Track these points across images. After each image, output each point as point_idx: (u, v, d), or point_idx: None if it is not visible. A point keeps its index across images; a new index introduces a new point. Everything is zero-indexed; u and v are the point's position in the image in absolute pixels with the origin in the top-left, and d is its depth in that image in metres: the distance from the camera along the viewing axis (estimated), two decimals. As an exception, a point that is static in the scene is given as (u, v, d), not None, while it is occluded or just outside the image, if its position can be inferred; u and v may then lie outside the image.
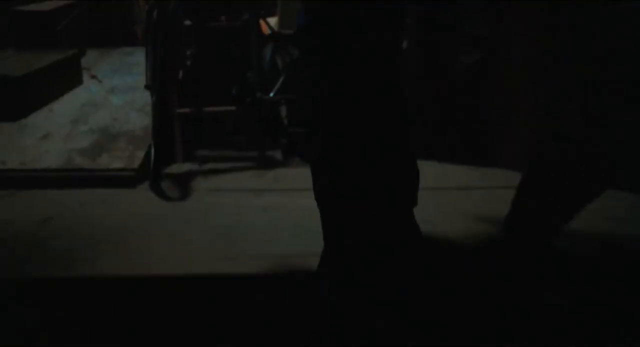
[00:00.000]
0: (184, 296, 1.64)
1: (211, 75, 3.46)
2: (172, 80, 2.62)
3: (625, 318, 1.42)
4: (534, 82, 2.72)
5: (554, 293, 1.52)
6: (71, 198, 2.37)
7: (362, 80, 1.35)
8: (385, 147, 1.38)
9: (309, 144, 1.49)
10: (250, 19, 3.46)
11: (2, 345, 1.42)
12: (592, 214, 1.54)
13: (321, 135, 1.36)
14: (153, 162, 2.45)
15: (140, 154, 2.77)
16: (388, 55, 1.38)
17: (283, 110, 3.29)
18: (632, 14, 1.45)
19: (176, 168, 3.21)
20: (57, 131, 3.00)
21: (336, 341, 1.52)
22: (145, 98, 3.13)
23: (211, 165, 3.50)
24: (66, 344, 1.43)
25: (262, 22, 3.48)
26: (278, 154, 3.29)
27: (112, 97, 3.57)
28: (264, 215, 2.16)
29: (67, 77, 3.62)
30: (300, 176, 2.60)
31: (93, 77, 3.94)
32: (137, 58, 4.51)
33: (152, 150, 2.48)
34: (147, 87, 2.61)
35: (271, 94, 3.09)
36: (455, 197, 2.50)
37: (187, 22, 3.39)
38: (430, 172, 1.66)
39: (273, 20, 5.34)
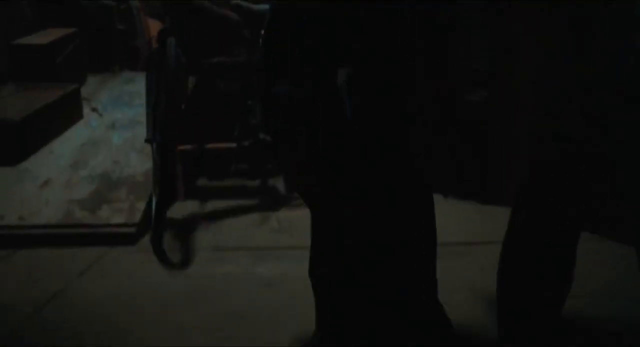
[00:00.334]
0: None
1: (212, 110, 3.40)
2: (174, 130, 2.56)
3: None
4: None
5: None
6: (70, 263, 2.32)
7: (362, 80, 1.35)
8: (385, 147, 1.38)
9: (291, 144, 1.48)
10: (252, 56, 3.41)
11: None
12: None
13: (321, 136, 1.36)
14: (154, 220, 2.39)
15: (141, 206, 2.72)
16: (388, 55, 1.37)
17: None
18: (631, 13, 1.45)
19: (178, 209, 3.17)
20: (57, 177, 2.95)
21: (336, 341, 1.54)
22: (143, 135, 3.06)
23: (213, 203, 3.46)
24: None
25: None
26: (280, 184, 3.25)
27: (112, 134, 3.52)
28: (268, 292, 2.10)
29: (68, 113, 3.56)
30: (303, 221, 2.54)
31: (94, 110, 3.89)
32: (138, 86, 4.45)
33: (154, 209, 2.43)
34: (147, 141, 2.55)
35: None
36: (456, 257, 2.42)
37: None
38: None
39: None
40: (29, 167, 3.04)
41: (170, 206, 2.75)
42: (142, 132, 3.28)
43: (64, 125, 3.50)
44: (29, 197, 2.76)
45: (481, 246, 2.54)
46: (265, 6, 3.56)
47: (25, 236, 2.47)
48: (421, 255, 1.50)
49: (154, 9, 8.62)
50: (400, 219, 1.44)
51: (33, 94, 3.43)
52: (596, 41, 1.43)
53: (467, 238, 2.62)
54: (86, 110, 3.86)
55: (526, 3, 1.65)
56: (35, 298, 2.08)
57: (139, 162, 3.13)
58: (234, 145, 3.38)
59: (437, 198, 2.98)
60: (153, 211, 2.47)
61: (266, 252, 2.47)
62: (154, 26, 8.18)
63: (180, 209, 3.27)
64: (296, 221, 2.78)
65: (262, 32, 1.47)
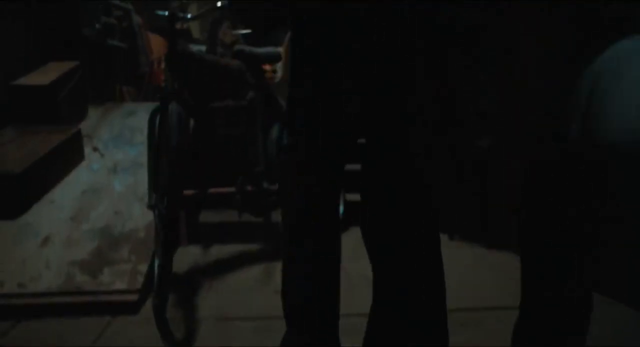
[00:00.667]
0: None
1: (215, 154, 3.33)
2: (176, 198, 2.48)
3: None
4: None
5: None
6: (73, 337, 2.25)
7: (362, 79, 1.34)
8: (385, 147, 1.38)
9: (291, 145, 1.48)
10: (256, 100, 3.34)
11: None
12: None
13: (321, 136, 1.34)
14: (156, 288, 2.33)
15: (143, 268, 2.65)
16: (388, 55, 1.35)
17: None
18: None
19: (181, 257, 3.11)
20: (58, 232, 2.88)
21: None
22: (145, 180, 2.98)
23: (216, 248, 3.41)
24: None
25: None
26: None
27: (113, 179, 3.44)
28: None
29: (69, 156, 3.49)
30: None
31: (95, 149, 3.82)
32: (139, 118, 4.38)
33: (156, 276, 2.36)
34: (149, 207, 2.48)
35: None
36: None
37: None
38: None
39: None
40: (29, 221, 2.97)
41: (173, 254, 2.68)
42: (143, 176, 3.21)
43: (66, 170, 3.43)
44: (29, 257, 2.69)
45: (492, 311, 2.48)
46: (269, 49, 3.49)
47: (25, 306, 2.40)
48: (421, 255, 1.49)
49: (156, 24, 8.54)
50: (400, 219, 1.43)
51: (34, 139, 3.35)
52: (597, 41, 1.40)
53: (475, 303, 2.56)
54: (87, 149, 3.79)
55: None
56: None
57: (141, 213, 3.06)
58: (235, 189, 3.32)
59: (443, 239, 2.96)
60: (155, 278, 2.40)
61: (271, 322, 2.40)
62: (156, 41, 8.11)
63: (183, 256, 3.22)
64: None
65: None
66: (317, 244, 1.52)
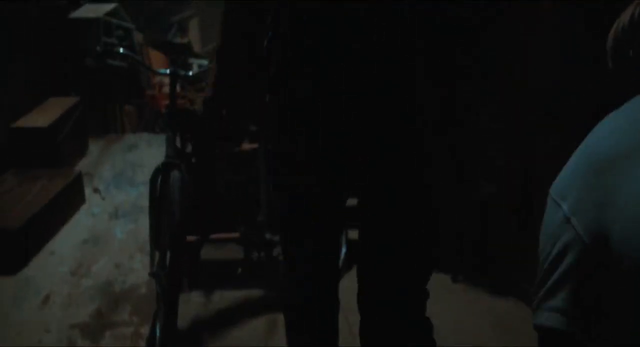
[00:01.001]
0: None
1: (216, 200, 3.28)
2: (179, 269, 2.42)
3: None
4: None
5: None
6: None
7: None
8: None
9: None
10: (260, 147, 3.29)
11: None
12: None
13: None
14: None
15: (145, 331, 2.60)
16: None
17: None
18: None
19: (182, 307, 3.06)
20: (58, 290, 2.82)
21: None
22: (147, 227, 2.93)
23: (218, 296, 3.35)
24: None
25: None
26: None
27: (114, 225, 3.40)
28: None
29: (70, 201, 3.44)
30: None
31: (96, 191, 3.77)
32: (140, 153, 4.34)
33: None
34: (151, 275, 2.43)
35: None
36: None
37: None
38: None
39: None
40: (29, 275, 2.92)
41: (175, 321, 2.63)
42: (144, 221, 3.16)
43: (67, 216, 3.38)
44: (28, 320, 2.64)
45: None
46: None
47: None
48: (422, 256, 1.48)
49: (157, 40, 8.47)
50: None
51: (34, 187, 3.30)
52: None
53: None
54: (88, 189, 3.74)
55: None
56: None
57: (141, 266, 3.02)
58: (237, 235, 3.27)
59: (446, 281, 2.90)
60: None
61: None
62: (157, 58, 8.03)
63: (184, 305, 3.16)
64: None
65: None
66: (317, 245, 1.51)
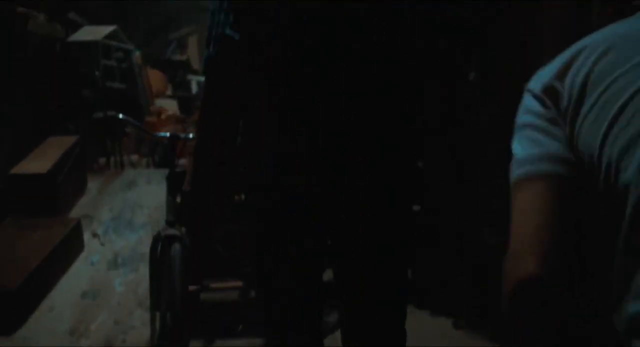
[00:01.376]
0: None
1: (214, 251, 3.23)
2: (179, 336, 2.38)
3: None
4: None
5: None
6: None
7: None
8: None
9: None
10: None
11: None
12: None
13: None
14: None
15: (145, 399, 2.56)
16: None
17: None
18: None
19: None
20: (57, 353, 2.78)
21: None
22: (146, 277, 2.86)
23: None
24: None
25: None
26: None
27: (113, 277, 3.34)
28: None
29: (69, 250, 3.39)
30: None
31: (95, 235, 3.72)
32: (140, 191, 4.29)
33: None
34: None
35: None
36: None
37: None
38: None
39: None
40: (26, 336, 2.86)
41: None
42: (144, 271, 3.12)
43: (65, 266, 3.33)
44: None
45: None
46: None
47: None
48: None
49: (156, 59, 8.40)
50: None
51: (33, 237, 3.24)
52: None
53: None
54: (87, 234, 3.69)
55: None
56: None
57: (141, 323, 2.97)
58: (239, 283, 3.22)
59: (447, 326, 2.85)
60: None
61: None
62: (155, 78, 7.97)
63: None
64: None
65: None
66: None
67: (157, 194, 4.26)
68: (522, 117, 0.83)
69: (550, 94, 0.80)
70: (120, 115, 2.58)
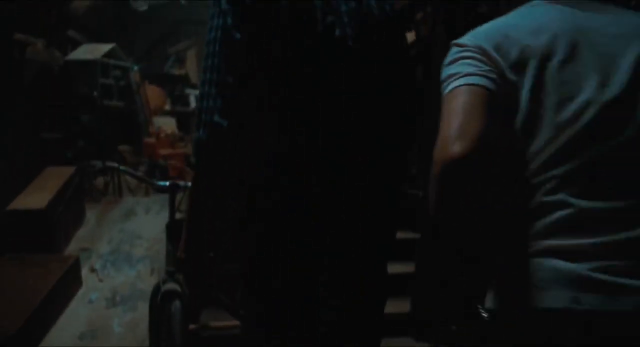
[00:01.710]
0: None
1: (212, 292, 3.20)
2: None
3: None
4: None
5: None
6: None
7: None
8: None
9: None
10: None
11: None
12: None
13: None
14: None
15: None
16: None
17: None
18: None
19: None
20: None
21: None
22: (145, 316, 2.82)
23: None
24: None
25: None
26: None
27: (112, 316, 3.31)
28: None
29: (67, 288, 3.36)
30: None
31: (93, 271, 3.69)
32: (139, 221, 4.26)
33: None
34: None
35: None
36: None
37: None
38: None
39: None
40: (24, 381, 2.84)
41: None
42: (143, 309, 3.09)
43: (64, 305, 3.30)
44: None
45: None
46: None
47: None
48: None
49: (155, 75, 8.37)
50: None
51: (31, 277, 3.21)
52: None
53: None
54: (85, 269, 3.66)
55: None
56: None
57: (141, 369, 2.95)
58: (239, 323, 3.19)
59: None
60: None
61: None
62: (154, 95, 7.94)
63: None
64: None
65: None
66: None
67: (156, 223, 4.23)
68: (461, 55, 1.08)
69: (484, 52, 1.06)
70: (119, 166, 2.55)
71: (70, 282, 3.38)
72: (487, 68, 1.04)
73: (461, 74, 1.04)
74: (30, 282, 3.18)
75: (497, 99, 1.02)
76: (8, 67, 4.13)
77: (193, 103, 8.53)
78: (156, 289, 2.50)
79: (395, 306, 2.76)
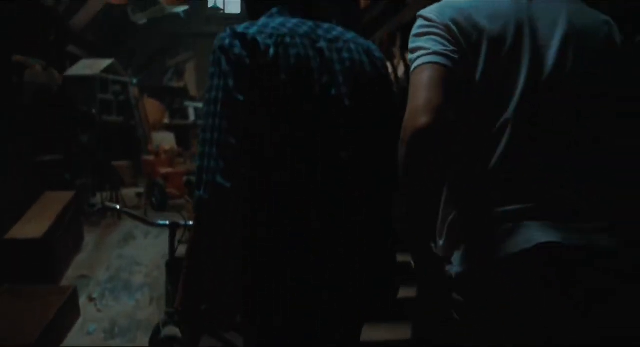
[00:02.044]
0: None
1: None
2: None
3: None
4: None
5: None
6: None
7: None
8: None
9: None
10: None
11: None
12: None
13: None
14: None
15: None
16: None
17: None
18: None
19: None
20: None
21: None
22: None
23: None
24: None
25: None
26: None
27: (111, 349, 3.27)
28: None
29: (65, 319, 3.30)
30: None
31: (91, 300, 3.64)
32: (138, 246, 4.22)
33: None
34: None
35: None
36: None
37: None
38: None
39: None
40: None
41: None
42: (143, 340, 3.05)
43: (62, 338, 3.25)
44: None
45: None
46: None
47: None
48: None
49: (153, 88, 8.34)
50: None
51: (30, 308, 3.15)
52: None
53: None
54: (83, 298, 3.61)
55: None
56: None
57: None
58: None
59: None
60: None
61: None
62: (153, 109, 7.90)
63: None
64: None
65: None
66: None
67: (154, 248, 4.20)
68: (428, 30, 1.22)
69: (449, 30, 1.20)
70: (119, 207, 2.50)
71: (68, 312, 3.32)
72: (452, 48, 1.17)
73: (429, 51, 1.17)
74: (29, 314, 3.12)
75: (457, 77, 1.17)
76: (7, 90, 4.08)
77: (192, 116, 8.50)
78: (156, 330, 2.45)
79: (396, 332, 2.72)
